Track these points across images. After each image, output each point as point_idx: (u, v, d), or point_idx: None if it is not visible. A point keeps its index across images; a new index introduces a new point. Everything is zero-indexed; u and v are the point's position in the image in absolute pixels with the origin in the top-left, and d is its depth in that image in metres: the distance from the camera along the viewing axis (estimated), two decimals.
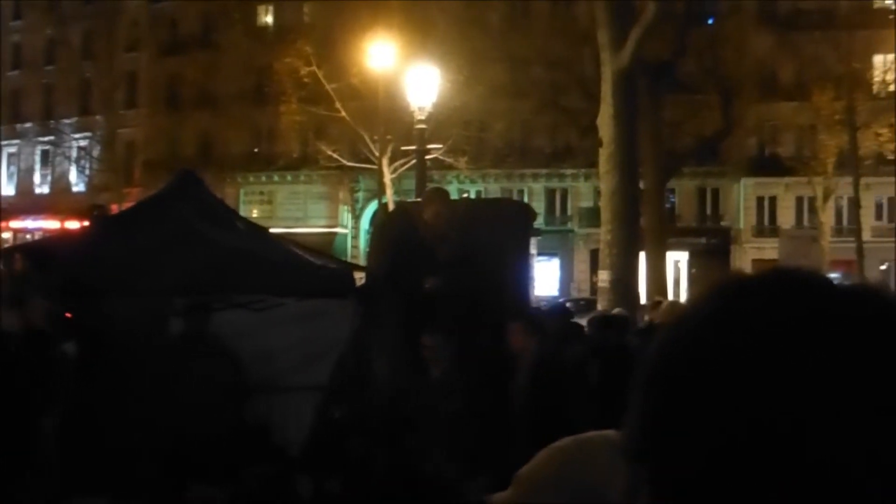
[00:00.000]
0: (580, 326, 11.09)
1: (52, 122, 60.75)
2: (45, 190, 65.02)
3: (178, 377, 8.42)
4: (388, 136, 38.07)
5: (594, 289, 31.88)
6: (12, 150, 66.08)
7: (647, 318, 17.69)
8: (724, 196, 53.34)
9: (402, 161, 38.90)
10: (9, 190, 65.81)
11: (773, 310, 0.90)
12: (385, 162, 38.62)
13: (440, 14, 40.28)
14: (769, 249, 43.21)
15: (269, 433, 8.89)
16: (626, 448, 0.94)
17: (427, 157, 26.52)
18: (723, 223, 53.21)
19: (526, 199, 45.87)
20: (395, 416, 8.31)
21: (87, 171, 59.93)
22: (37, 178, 66.16)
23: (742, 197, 52.82)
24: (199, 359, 8.62)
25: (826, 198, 44.20)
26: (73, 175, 62.34)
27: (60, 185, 62.78)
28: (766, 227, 51.16)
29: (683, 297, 39.88)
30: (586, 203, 52.12)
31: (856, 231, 41.59)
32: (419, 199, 11.75)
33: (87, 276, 8.20)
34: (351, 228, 55.84)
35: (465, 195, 43.91)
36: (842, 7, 43.58)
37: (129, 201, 40.80)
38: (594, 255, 34.65)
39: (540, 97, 41.49)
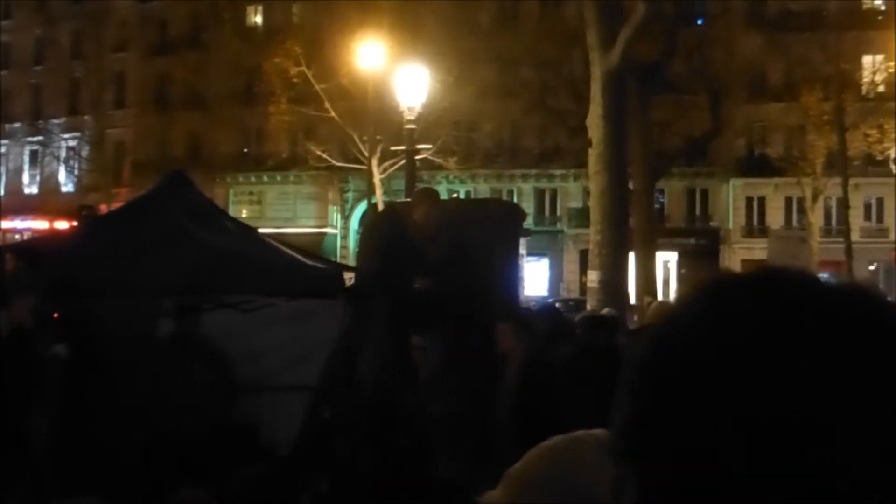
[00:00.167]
0: (572, 326, 11.07)
1: (40, 122, 60.66)
2: (34, 190, 64.88)
3: (166, 377, 8.40)
4: (378, 137, 38.07)
5: (583, 289, 31.85)
6: (1, 150, 65.90)
7: (636, 318, 17.71)
8: (713, 196, 53.42)
9: (391, 161, 38.89)
10: None
11: (765, 309, 0.89)
12: (374, 162, 38.64)
13: (430, 14, 40.33)
14: (758, 250, 43.24)
15: (257, 433, 8.88)
16: (614, 447, 0.94)
17: (416, 157, 26.49)
18: (712, 223, 53.29)
19: (515, 200, 45.89)
20: (384, 417, 8.31)
21: (76, 172, 59.87)
22: (25, 178, 66.01)
23: (731, 197, 52.91)
24: (187, 359, 8.60)
25: (815, 198, 44.28)
26: (62, 175, 62.26)
27: (49, 185, 62.69)
28: (755, 228, 51.24)
29: (673, 298, 39.91)
30: (575, 203, 52.17)
31: (845, 232, 41.68)
32: (408, 200, 11.75)
33: (75, 277, 8.18)
34: (340, 229, 55.79)
35: (455, 195, 43.89)
36: (831, 8, 43.73)
37: (118, 201, 40.78)
38: (583, 255, 34.64)
39: (529, 98, 41.60)
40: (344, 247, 53.64)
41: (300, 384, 8.97)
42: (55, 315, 8.37)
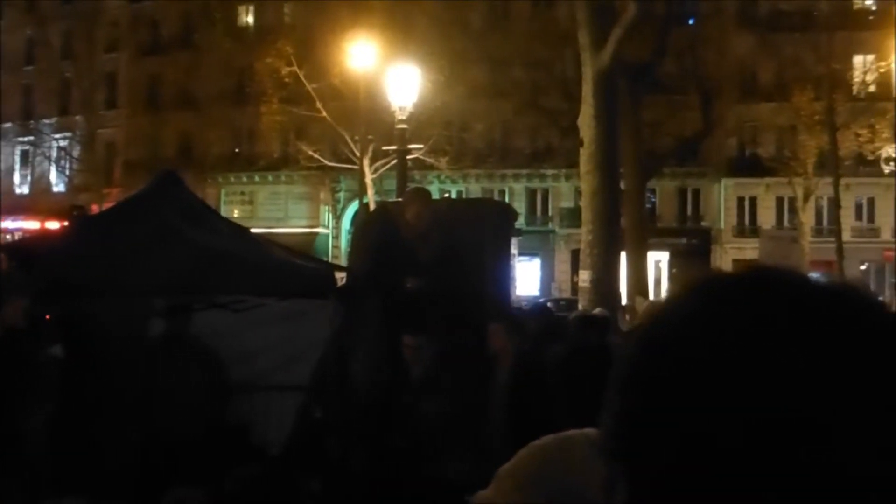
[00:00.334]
0: (564, 325, 11.06)
1: (31, 122, 60.51)
2: (25, 190, 64.67)
3: (159, 377, 8.39)
4: (369, 137, 38.06)
5: (575, 289, 31.88)
6: None
7: (627, 317, 17.73)
8: (704, 196, 53.46)
9: (383, 161, 38.90)
10: None
11: (758, 308, 0.89)
12: (366, 162, 38.62)
13: (421, 14, 40.30)
14: (749, 250, 43.29)
15: (249, 433, 8.87)
16: (604, 447, 0.94)
17: (408, 157, 26.48)
18: (703, 223, 53.34)
19: (507, 200, 45.83)
20: (377, 416, 8.31)
21: (67, 172, 59.72)
22: (16, 178, 65.80)
23: (722, 197, 52.96)
24: (180, 359, 8.60)
25: (806, 198, 44.31)
26: (52, 175, 62.10)
27: (40, 185, 62.49)
28: (747, 228, 51.33)
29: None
30: (567, 203, 52.22)
31: (836, 231, 41.71)
32: (400, 200, 11.74)
33: (67, 277, 8.16)
34: (332, 229, 55.71)
35: (446, 195, 43.83)
36: (822, 8, 43.72)
37: (109, 202, 40.61)
38: (575, 255, 34.68)
39: (521, 98, 41.58)
40: (335, 247, 53.56)
41: (292, 384, 8.96)
42: (47, 317, 8.36)
